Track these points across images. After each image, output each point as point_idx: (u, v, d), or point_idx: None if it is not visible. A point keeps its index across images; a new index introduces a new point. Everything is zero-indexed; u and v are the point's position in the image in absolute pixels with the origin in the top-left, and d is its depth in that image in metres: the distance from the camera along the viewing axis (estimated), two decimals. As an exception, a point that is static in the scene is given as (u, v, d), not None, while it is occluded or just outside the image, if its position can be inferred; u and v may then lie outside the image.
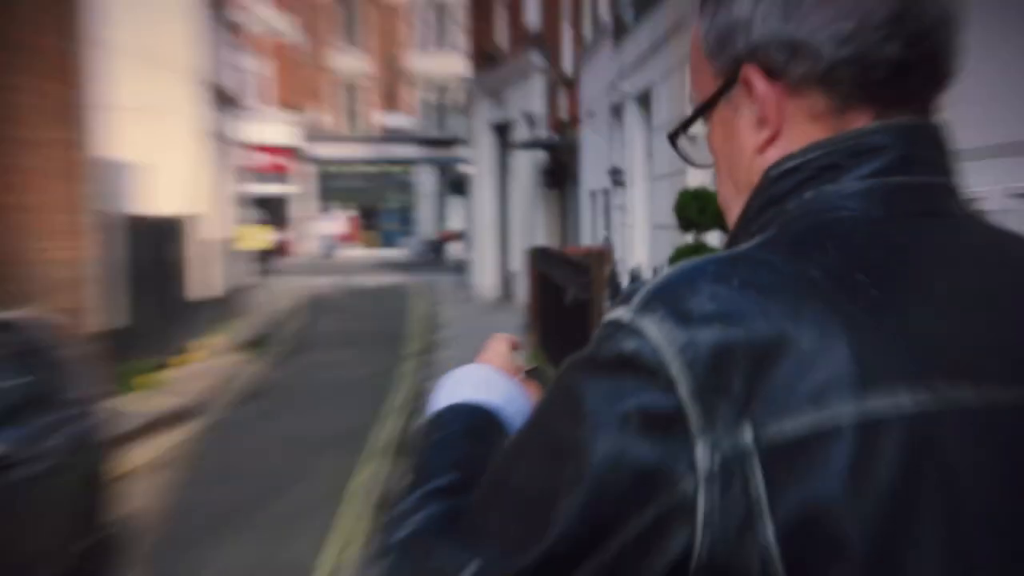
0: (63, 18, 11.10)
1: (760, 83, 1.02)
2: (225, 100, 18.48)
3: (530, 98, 19.84)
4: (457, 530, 1.06)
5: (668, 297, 0.93)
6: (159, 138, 15.29)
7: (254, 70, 32.43)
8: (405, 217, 42.14)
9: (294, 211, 38.59)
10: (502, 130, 21.73)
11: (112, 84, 12.57)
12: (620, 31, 13.52)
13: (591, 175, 16.17)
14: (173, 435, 11.19)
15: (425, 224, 40.66)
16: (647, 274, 10.80)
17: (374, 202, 42.54)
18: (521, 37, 20.68)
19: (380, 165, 41.14)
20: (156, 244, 14.54)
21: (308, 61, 37.60)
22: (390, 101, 39.56)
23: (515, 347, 1.47)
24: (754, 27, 1.02)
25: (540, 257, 13.69)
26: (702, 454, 0.89)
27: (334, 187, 40.84)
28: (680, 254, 8.65)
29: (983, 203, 1.96)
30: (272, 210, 35.13)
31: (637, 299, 0.96)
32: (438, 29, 38.02)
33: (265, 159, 33.05)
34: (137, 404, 11.93)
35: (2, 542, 5.39)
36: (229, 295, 18.85)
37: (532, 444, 1.04)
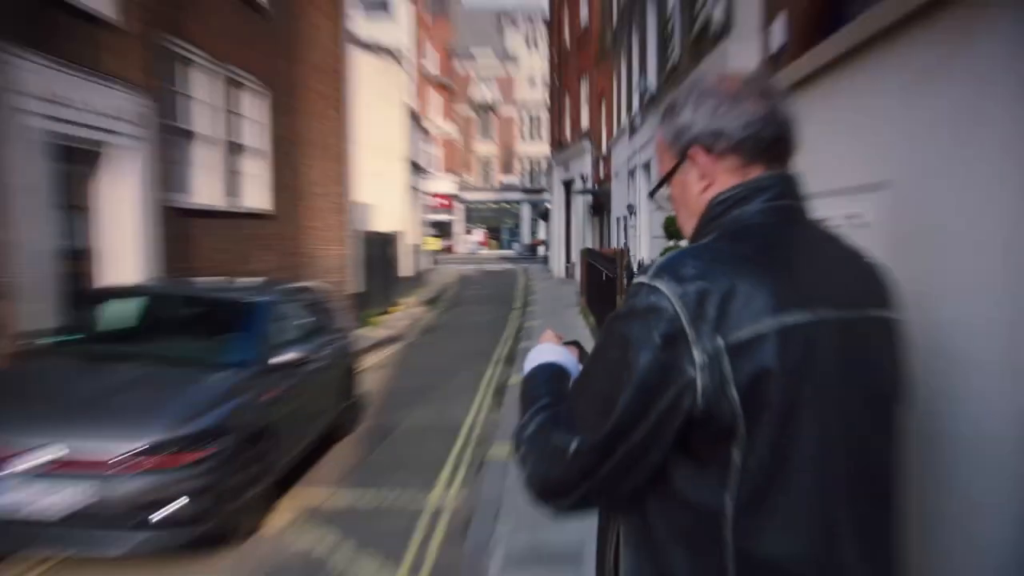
0: (339, 129, 14.83)
1: (701, 155, 1.41)
2: (418, 169, 27.60)
3: (583, 165, 27.84)
4: (561, 424, 1.37)
5: (669, 268, 1.27)
6: (383, 190, 20.81)
7: (433, 152, 44.92)
8: (514, 232, 60.01)
9: (454, 229, 55.60)
10: (567, 184, 30.97)
11: (359, 161, 17.08)
12: (633, 129, 17.88)
13: (617, 208, 21.45)
14: (388, 350, 14.10)
15: (525, 236, 57.86)
16: (648, 261, 13.03)
17: (497, 224, 60.57)
18: (578, 132, 29.55)
19: (500, 204, 59.18)
20: (381, 247, 18.76)
21: (462, 147, 55.61)
22: (506, 168, 58.72)
23: (558, 337, 1.73)
24: (695, 126, 1.41)
25: (588, 254, 18.35)
26: (697, 354, 1.21)
27: (475, 216, 58.95)
28: (666, 251, 9.93)
29: (830, 222, 2.08)
30: (442, 228, 51.52)
31: (651, 271, 1.29)
32: (533, 129, 57.43)
33: (437, 201, 48.57)
34: (369, 333, 14.90)
35: (309, 401, 6.79)
36: (418, 274, 26.19)
37: (598, 366, 1.36)
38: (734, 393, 1.19)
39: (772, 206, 1.35)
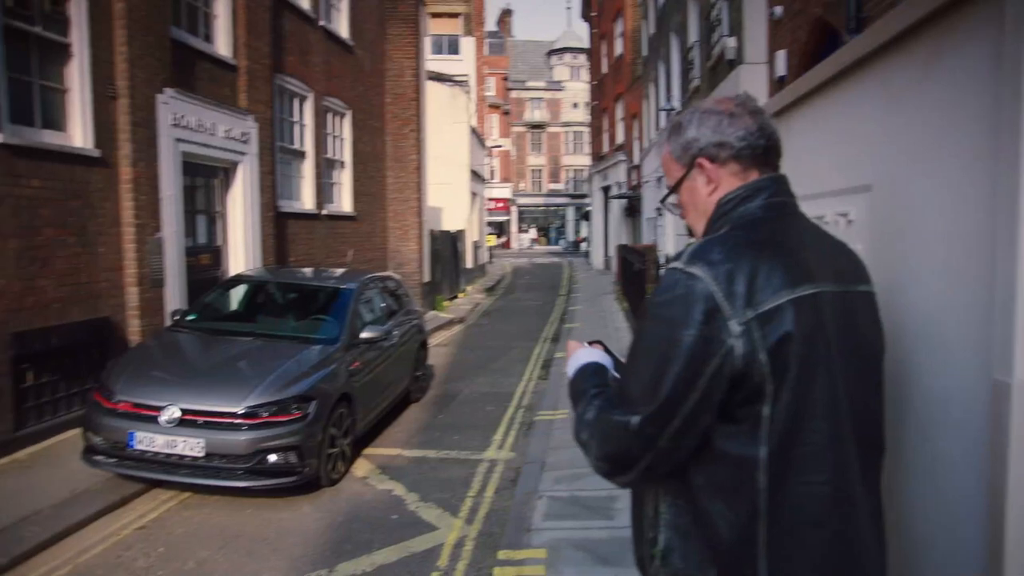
0: (414, 145, 14.98)
1: (707, 164, 1.44)
2: (479, 177, 27.30)
3: (619, 174, 28.16)
4: (617, 405, 1.35)
5: (700, 255, 1.29)
6: (451, 195, 20.73)
7: (492, 164, 44.02)
8: (560, 231, 59.36)
9: (509, 228, 55.91)
10: (606, 190, 30.98)
11: (431, 172, 17.18)
12: (660, 143, 17.00)
13: (647, 210, 21.64)
14: (453, 330, 14.06)
15: (569, 234, 57.23)
16: (673, 254, 12.89)
17: (546, 224, 60.21)
18: (614, 146, 29.78)
19: (548, 207, 58.91)
20: (448, 243, 18.66)
21: (516, 159, 56.44)
22: (554, 177, 58.94)
23: (587, 343, 1.69)
24: (701, 140, 1.44)
25: (622, 249, 18.49)
26: (733, 325, 1.23)
27: (527, 217, 59.05)
28: (688, 245, 10.71)
29: (824, 219, 2.14)
30: (499, 227, 52.53)
31: (684, 259, 1.30)
32: (576, 143, 57.37)
33: (495, 204, 47.97)
34: (438, 315, 14.95)
35: (386, 372, 6.91)
36: (479, 266, 26.12)
37: (646, 348, 1.33)
38: (763, 357, 1.21)
39: (770, 202, 1.38)
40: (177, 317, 6.46)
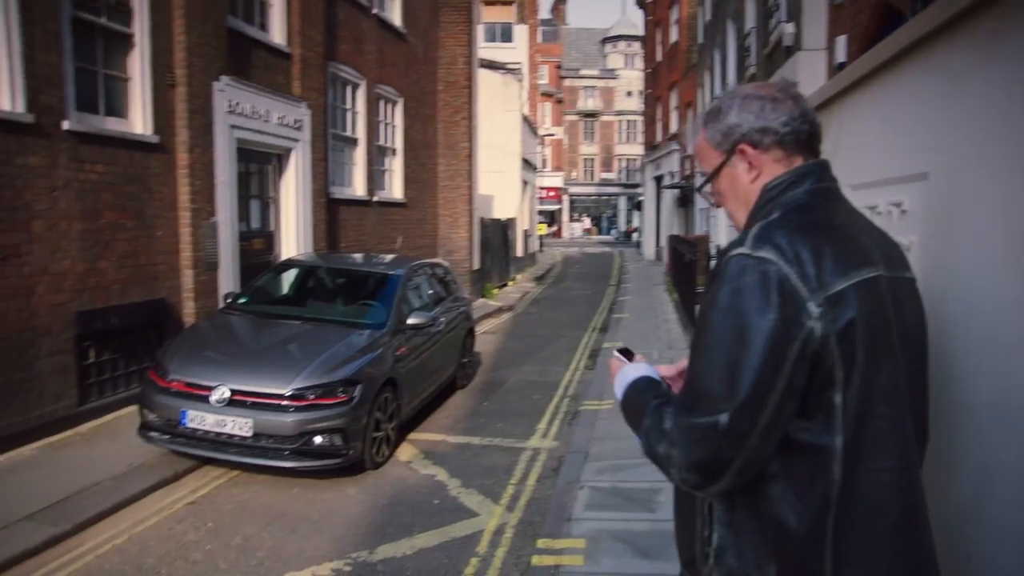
0: (466, 133, 15.04)
1: (749, 150, 1.39)
2: (531, 166, 27.21)
3: (672, 164, 27.42)
4: (695, 409, 1.25)
5: (764, 239, 1.25)
6: (502, 184, 20.76)
7: (544, 152, 44.53)
8: (612, 220, 58.43)
9: (560, 217, 54.88)
10: (658, 179, 30.48)
11: (482, 159, 17.18)
12: (694, 128, 16.57)
13: (700, 201, 21.18)
14: (501, 317, 14.05)
15: (621, 224, 56.48)
16: (724, 245, 12.70)
17: (598, 213, 59.14)
18: (667, 135, 29.17)
19: (600, 196, 57.96)
20: (499, 231, 18.69)
21: (568, 148, 55.60)
22: (606, 166, 57.87)
23: (616, 350, 1.65)
24: (743, 125, 1.39)
25: (674, 239, 18.10)
26: (812, 307, 1.20)
27: (578, 206, 58.01)
28: (744, 233, 10.45)
29: (877, 209, 2.10)
30: (550, 216, 51.45)
31: (749, 244, 1.26)
32: (629, 132, 56.30)
33: (547, 193, 47.55)
34: (487, 303, 15.02)
35: (432, 358, 6.90)
36: (529, 255, 26.23)
37: (719, 343, 1.24)
38: (834, 341, 1.19)
39: (817, 187, 1.35)
40: (229, 300, 6.61)
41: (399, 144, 12.88)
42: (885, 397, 1.23)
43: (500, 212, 19.93)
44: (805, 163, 1.37)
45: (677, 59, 26.49)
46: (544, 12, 45.76)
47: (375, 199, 11.71)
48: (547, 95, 45.37)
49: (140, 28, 6.52)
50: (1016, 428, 1.43)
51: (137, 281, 6.50)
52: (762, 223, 1.29)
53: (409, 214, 13.17)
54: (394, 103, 12.63)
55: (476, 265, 15.49)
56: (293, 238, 9.14)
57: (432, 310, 7.07)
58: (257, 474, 5.26)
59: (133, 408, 5.71)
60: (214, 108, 7.33)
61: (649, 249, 31.57)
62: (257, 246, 8.67)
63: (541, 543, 4.22)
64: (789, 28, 10.04)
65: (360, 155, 11.40)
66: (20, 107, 5.30)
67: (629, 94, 55.08)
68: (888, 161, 2.02)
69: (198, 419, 4.94)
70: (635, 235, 45.11)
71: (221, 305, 6.94)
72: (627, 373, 1.51)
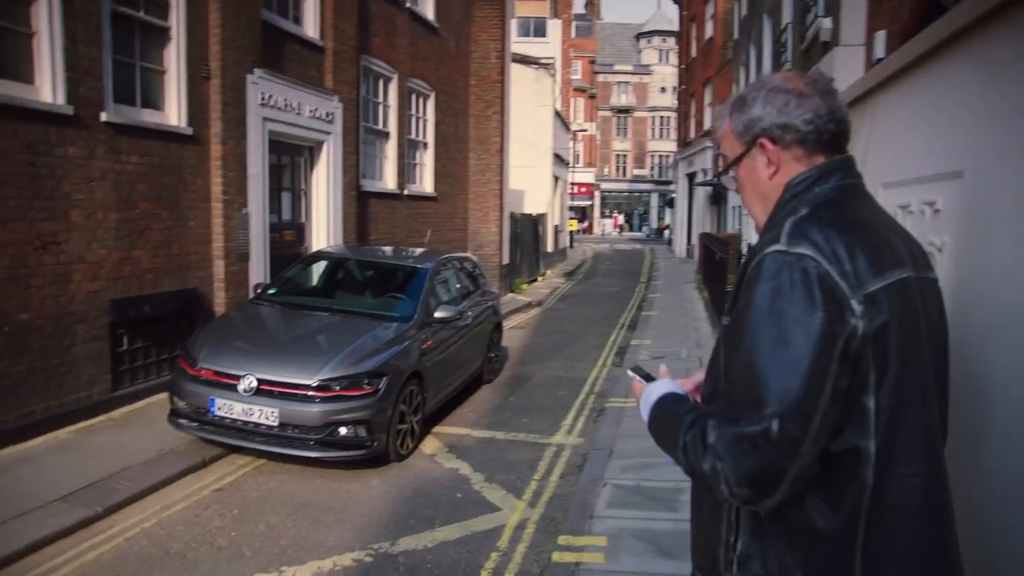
0: (497, 128, 15.01)
1: (769, 145, 1.35)
2: (562, 161, 27.04)
3: (705, 161, 26.87)
4: (740, 419, 1.18)
5: (800, 236, 1.21)
6: (533, 179, 20.86)
7: (576, 148, 44.16)
8: (643, 217, 57.71)
9: (592, 213, 54.48)
10: (691, 176, 29.79)
11: (514, 154, 17.18)
12: (721, 114, 16.44)
13: (732, 199, 20.79)
14: (530, 313, 14.05)
15: (653, 220, 55.53)
16: (754, 243, 12.62)
17: (629, 210, 58.63)
18: (701, 132, 28.38)
19: (632, 193, 57.79)
20: (530, 226, 18.65)
21: (601, 144, 55.26)
22: (639, 163, 57.39)
23: (630, 370, 1.62)
24: (765, 119, 1.35)
25: (705, 237, 17.98)
26: (855, 305, 1.16)
27: (610, 202, 57.70)
28: (774, 230, 10.32)
29: (909, 208, 2.07)
30: (581, 212, 51.04)
31: (784, 241, 1.21)
32: (662, 129, 55.73)
33: (578, 189, 46.62)
34: (516, 298, 15.03)
35: (459, 352, 6.90)
36: (560, 250, 26.17)
37: (761, 343, 1.18)
38: (869, 342, 1.16)
39: (843, 184, 1.31)
40: (259, 290, 6.70)
41: (430, 138, 12.91)
42: (914, 400, 1.20)
43: (531, 207, 19.85)
44: (832, 160, 1.33)
45: (712, 55, 26.17)
46: (578, 7, 45.58)
47: (405, 193, 11.76)
48: (580, 90, 45.13)
49: (176, 21, 6.62)
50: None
51: (170, 270, 6.61)
52: (793, 219, 1.24)
53: (439, 208, 13.19)
54: (426, 97, 12.67)
55: (506, 260, 15.49)
56: (323, 230, 9.23)
57: (460, 304, 7.07)
58: (283, 463, 5.32)
59: (164, 395, 5.81)
60: (247, 101, 7.42)
61: (680, 247, 31.35)
62: (288, 238, 8.76)
63: (562, 540, 4.21)
64: (826, 23, 9.83)
65: (391, 148, 11.46)
66: (60, 99, 5.42)
67: (663, 90, 54.61)
68: (922, 159, 1.96)
69: (226, 407, 5.02)
70: (666, 232, 44.75)
71: (251, 295, 7.02)
72: (651, 391, 1.44)
